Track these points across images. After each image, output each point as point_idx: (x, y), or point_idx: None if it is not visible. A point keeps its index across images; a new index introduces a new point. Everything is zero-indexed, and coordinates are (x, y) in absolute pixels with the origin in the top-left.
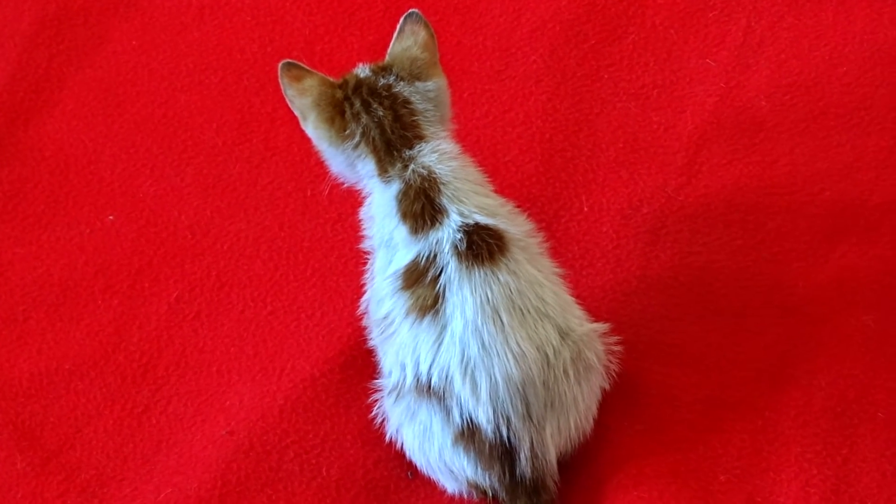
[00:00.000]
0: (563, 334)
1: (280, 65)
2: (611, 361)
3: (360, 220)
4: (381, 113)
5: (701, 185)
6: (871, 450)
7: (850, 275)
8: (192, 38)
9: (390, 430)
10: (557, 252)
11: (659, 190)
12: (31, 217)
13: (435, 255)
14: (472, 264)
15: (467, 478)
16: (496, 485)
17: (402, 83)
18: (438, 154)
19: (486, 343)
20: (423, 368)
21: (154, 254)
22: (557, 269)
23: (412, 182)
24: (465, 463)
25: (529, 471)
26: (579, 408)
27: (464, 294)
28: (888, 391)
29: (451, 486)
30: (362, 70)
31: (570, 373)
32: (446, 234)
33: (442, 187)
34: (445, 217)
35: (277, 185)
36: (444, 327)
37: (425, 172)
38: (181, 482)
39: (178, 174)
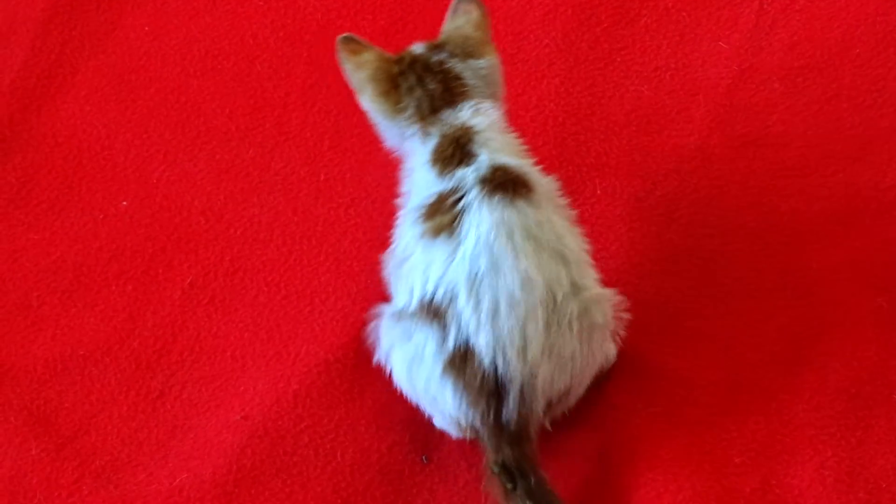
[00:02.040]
0: (575, 287)
1: (338, 39)
2: (619, 330)
3: (372, 205)
4: (432, 87)
5: (714, 167)
6: (886, 431)
7: (863, 257)
8: (205, 24)
9: (380, 353)
10: None
11: (672, 173)
12: (45, 203)
13: (459, 188)
14: (495, 191)
15: (450, 413)
16: (479, 425)
17: (454, 60)
18: (477, 111)
19: (496, 259)
20: (430, 286)
21: (167, 239)
22: (580, 230)
23: (448, 133)
24: (451, 396)
25: (515, 417)
26: (576, 366)
27: (482, 213)
28: None
29: (436, 420)
30: (417, 47)
31: (574, 326)
32: (473, 170)
33: (475, 136)
34: (474, 159)
35: (291, 169)
36: (457, 245)
37: (460, 124)
38: (196, 467)
39: (190, 160)
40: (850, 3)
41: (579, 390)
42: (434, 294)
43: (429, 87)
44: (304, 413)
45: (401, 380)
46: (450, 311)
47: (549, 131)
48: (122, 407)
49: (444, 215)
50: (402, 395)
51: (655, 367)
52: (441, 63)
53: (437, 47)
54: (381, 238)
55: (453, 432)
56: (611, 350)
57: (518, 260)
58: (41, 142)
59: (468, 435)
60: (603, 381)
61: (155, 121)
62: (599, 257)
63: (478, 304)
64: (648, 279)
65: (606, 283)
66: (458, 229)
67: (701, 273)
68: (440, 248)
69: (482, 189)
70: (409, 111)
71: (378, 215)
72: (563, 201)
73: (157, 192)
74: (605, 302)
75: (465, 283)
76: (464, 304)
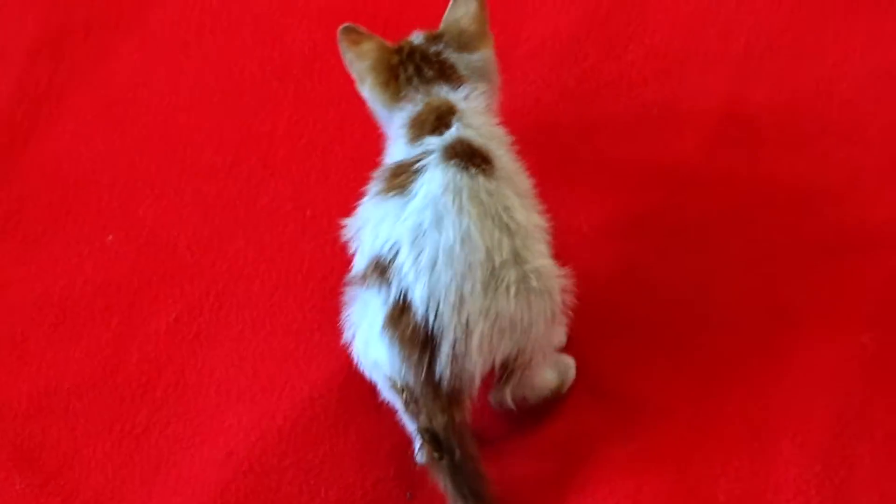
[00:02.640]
0: (517, 257)
1: (340, 29)
2: (567, 311)
3: None
4: (430, 74)
5: (700, 200)
6: (870, 470)
7: (849, 293)
8: (193, 57)
9: (347, 333)
10: None
11: (659, 206)
12: (31, 236)
13: (423, 154)
14: (453, 158)
15: (387, 374)
16: (412, 383)
17: (449, 51)
18: (465, 94)
19: (440, 215)
20: (378, 243)
21: (153, 273)
22: (542, 219)
23: (430, 103)
24: (387, 352)
25: (447, 374)
26: (518, 332)
27: (435, 174)
28: (886, 410)
29: (382, 390)
30: (417, 37)
31: (512, 290)
32: (440, 139)
33: (455, 111)
34: (445, 130)
35: (277, 205)
36: (406, 202)
37: (445, 98)
38: (181, 503)
39: (177, 194)
40: (838, 37)
41: (532, 362)
42: (381, 249)
43: (426, 75)
44: (288, 449)
45: (355, 346)
46: (393, 266)
47: (534, 166)
48: (106, 442)
49: (400, 177)
50: (386, 429)
51: (637, 400)
52: (438, 54)
53: (436, 38)
54: None
55: (397, 404)
56: (561, 333)
57: (460, 217)
58: (28, 174)
59: (406, 400)
60: (564, 399)
61: (142, 154)
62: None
63: (418, 256)
64: (631, 308)
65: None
66: (410, 188)
67: (686, 305)
68: (391, 205)
69: (442, 155)
70: (408, 100)
71: None
72: (527, 186)
73: (144, 226)
74: (547, 273)
75: (408, 236)
76: (405, 257)
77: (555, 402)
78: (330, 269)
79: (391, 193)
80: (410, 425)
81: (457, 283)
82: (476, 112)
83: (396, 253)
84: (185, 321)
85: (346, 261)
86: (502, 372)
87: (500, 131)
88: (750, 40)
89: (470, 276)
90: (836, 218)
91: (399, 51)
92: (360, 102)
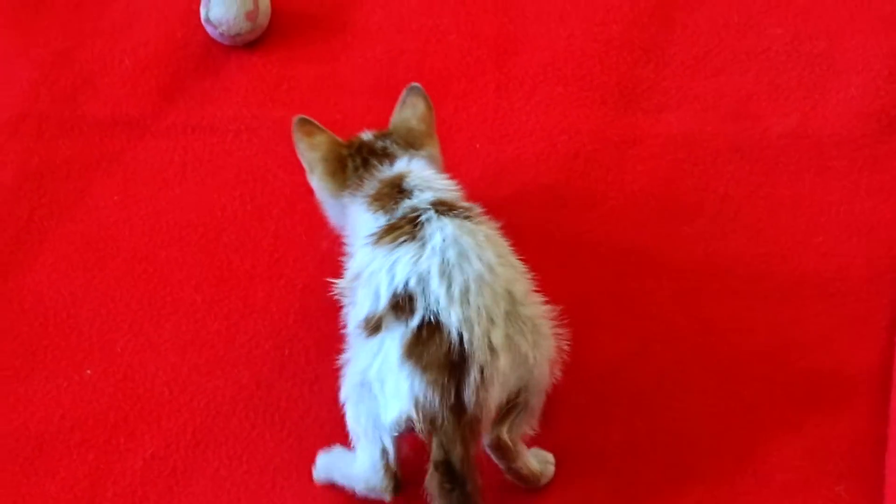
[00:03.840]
0: (525, 296)
1: (294, 119)
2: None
3: (336, 383)
4: (375, 163)
5: (678, 350)
6: None
7: (822, 444)
8: (174, 195)
9: (346, 385)
10: None
11: (636, 354)
12: (9, 369)
13: (412, 211)
14: (448, 212)
15: (403, 410)
16: (437, 407)
17: (396, 147)
18: (409, 161)
19: (464, 250)
20: (399, 280)
21: (130, 409)
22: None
23: (384, 179)
24: (411, 381)
25: (473, 401)
26: (528, 367)
27: (442, 222)
28: None
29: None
30: (366, 135)
31: (528, 327)
32: (419, 199)
33: (409, 177)
34: (415, 193)
35: (255, 343)
36: (423, 244)
37: (395, 172)
38: None
39: (156, 330)
40: (815, 191)
41: (532, 405)
42: (406, 284)
43: (372, 164)
44: None
45: (359, 405)
46: (421, 295)
47: None
48: None
49: (401, 230)
50: None
51: None
52: (385, 148)
53: (384, 135)
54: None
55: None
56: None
57: (483, 251)
58: (6, 308)
59: (424, 429)
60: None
61: (121, 290)
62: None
63: (450, 285)
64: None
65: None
66: (421, 234)
67: (660, 457)
68: (404, 250)
69: (436, 210)
70: (353, 189)
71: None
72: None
73: (122, 362)
74: (548, 322)
75: (437, 269)
76: (436, 286)
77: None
78: (307, 407)
79: (400, 240)
80: (377, 480)
81: (487, 308)
82: (430, 174)
83: (426, 284)
84: (161, 457)
85: (323, 401)
86: (501, 410)
87: (455, 186)
88: (728, 192)
89: (497, 304)
90: (810, 370)
91: (349, 145)
92: (341, 243)
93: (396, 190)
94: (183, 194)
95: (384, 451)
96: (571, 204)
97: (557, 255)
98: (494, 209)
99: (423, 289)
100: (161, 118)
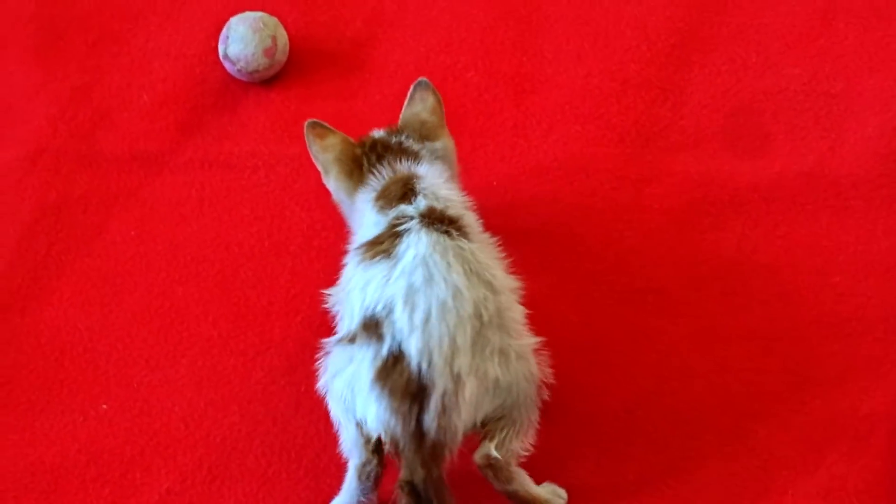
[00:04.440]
0: (500, 315)
1: (306, 123)
2: (545, 380)
3: None
4: (391, 158)
5: (694, 388)
6: None
7: (838, 484)
8: (191, 230)
9: (322, 381)
10: None
11: (652, 394)
12: (25, 404)
13: (398, 220)
14: (432, 223)
15: (375, 427)
16: (399, 433)
17: (411, 141)
18: (427, 167)
19: (431, 272)
20: (369, 302)
21: (146, 444)
22: (515, 281)
23: (395, 177)
24: (376, 405)
25: (434, 428)
26: (500, 393)
27: (420, 237)
28: None
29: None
30: (377, 132)
31: (497, 351)
32: (413, 207)
33: (419, 181)
34: (415, 198)
35: (271, 379)
36: (395, 263)
37: (409, 172)
38: None
39: (172, 365)
40: (831, 230)
41: (519, 424)
42: (374, 309)
43: (387, 159)
44: None
45: (337, 404)
46: (387, 322)
47: None
48: None
49: (380, 245)
50: None
51: None
52: (400, 143)
53: (396, 131)
54: None
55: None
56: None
57: (450, 273)
58: (23, 342)
59: (391, 450)
60: None
61: (138, 325)
62: None
63: (412, 311)
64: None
65: None
66: (396, 250)
67: (674, 494)
68: (378, 268)
69: (420, 221)
70: (370, 187)
71: None
72: (496, 250)
73: (138, 397)
74: (526, 347)
75: (402, 294)
76: (399, 314)
77: None
78: (323, 445)
79: (377, 258)
80: (360, 487)
81: (450, 335)
82: (440, 182)
83: (390, 311)
84: (177, 492)
85: (338, 438)
86: (484, 430)
87: (465, 199)
88: (745, 231)
89: (461, 329)
90: (826, 410)
91: (362, 144)
92: None
93: (404, 189)
94: (200, 230)
95: (359, 427)
96: (588, 242)
97: (573, 292)
98: (511, 245)
99: (388, 314)
100: (179, 154)
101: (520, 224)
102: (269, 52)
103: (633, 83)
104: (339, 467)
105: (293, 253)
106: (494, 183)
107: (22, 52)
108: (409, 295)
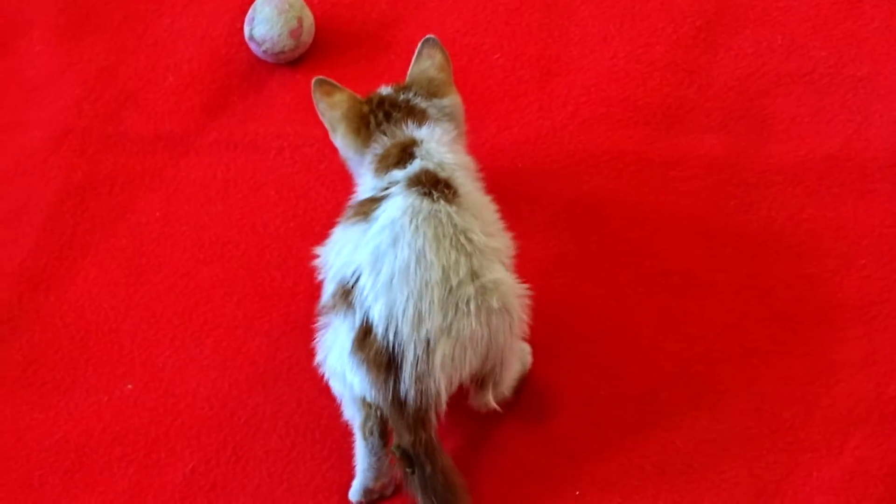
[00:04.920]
0: (473, 274)
1: (313, 80)
2: (526, 325)
3: None
4: (398, 117)
5: (718, 373)
6: None
7: (862, 467)
8: (216, 211)
9: (318, 355)
10: None
11: (677, 377)
12: (51, 383)
13: (387, 186)
14: (416, 186)
15: (360, 395)
16: (381, 403)
17: (419, 98)
18: (431, 129)
19: (397, 235)
20: (340, 270)
21: (171, 424)
22: (506, 244)
23: (397, 141)
24: (357, 374)
25: (412, 393)
26: (481, 348)
27: (397, 201)
28: None
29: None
30: (385, 89)
31: (472, 307)
32: (405, 171)
33: (420, 145)
34: (410, 161)
35: (296, 360)
36: (367, 228)
37: (409, 136)
38: None
39: (197, 346)
40: (857, 214)
41: (503, 373)
42: (343, 276)
43: (395, 118)
44: None
45: (331, 375)
46: (355, 290)
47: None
48: None
49: (361, 208)
50: None
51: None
52: (408, 101)
53: (404, 88)
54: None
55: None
56: (525, 347)
57: (415, 237)
58: (49, 322)
59: (379, 418)
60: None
61: (163, 305)
62: None
63: (377, 277)
64: (647, 479)
65: None
66: (373, 214)
67: (700, 477)
68: (354, 231)
69: (405, 184)
70: (378, 145)
71: None
72: (491, 213)
73: (163, 377)
74: (505, 287)
75: (368, 259)
76: (365, 280)
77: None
78: (347, 427)
79: (355, 220)
80: (367, 445)
81: (414, 302)
82: (440, 144)
83: (358, 277)
84: (201, 472)
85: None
86: (475, 383)
87: (467, 161)
88: (770, 213)
89: (427, 294)
90: (850, 393)
91: (369, 101)
92: None
93: (400, 156)
94: (225, 211)
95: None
96: (614, 224)
97: (599, 274)
98: (536, 228)
99: (356, 281)
100: (204, 135)
101: (545, 206)
102: (295, 33)
103: (658, 65)
104: None
105: (318, 234)
106: (519, 165)
107: (48, 32)
108: (375, 259)
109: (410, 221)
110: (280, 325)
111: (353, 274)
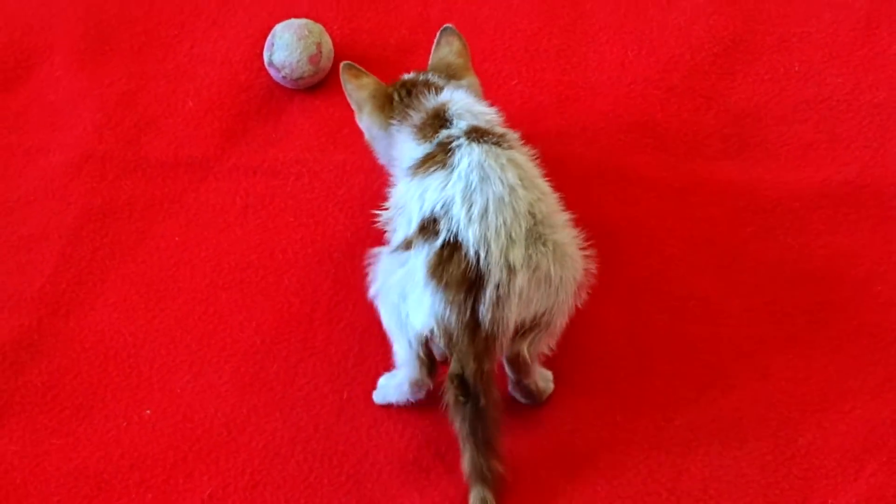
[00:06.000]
0: (552, 222)
1: (342, 65)
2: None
3: (394, 426)
4: (419, 93)
5: (734, 397)
6: None
7: (878, 494)
8: (235, 237)
9: (375, 285)
10: None
11: (692, 401)
12: (69, 409)
13: (447, 140)
14: (480, 138)
15: (427, 324)
16: (453, 325)
17: (438, 78)
18: (452, 92)
19: (486, 173)
20: (428, 206)
21: (189, 449)
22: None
23: (429, 111)
24: (431, 299)
25: (489, 319)
26: (552, 288)
27: (472, 148)
28: None
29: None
30: (407, 75)
31: (549, 248)
32: (456, 129)
33: (451, 108)
34: (454, 123)
35: (314, 386)
36: (451, 172)
37: (439, 103)
38: None
39: (215, 371)
40: (874, 240)
41: (554, 325)
42: (432, 210)
43: (416, 95)
44: None
45: (389, 314)
46: (444, 219)
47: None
48: None
49: (433, 159)
50: None
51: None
52: (427, 80)
53: (424, 73)
54: (403, 459)
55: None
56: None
57: (505, 173)
58: (68, 347)
59: (443, 346)
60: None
61: (181, 331)
62: None
63: (470, 207)
64: None
65: None
66: (451, 161)
67: (711, 502)
68: (434, 178)
69: (468, 137)
70: (400, 118)
71: (400, 438)
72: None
73: (181, 402)
74: (575, 245)
75: (459, 193)
76: (458, 209)
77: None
78: (364, 452)
79: (432, 169)
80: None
81: (507, 228)
82: (471, 101)
83: (448, 209)
84: (219, 498)
85: (380, 445)
86: (524, 329)
87: (498, 115)
88: (788, 240)
89: (517, 223)
90: (866, 419)
91: (392, 84)
92: None
93: (439, 120)
94: (244, 236)
95: (411, 343)
96: (631, 249)
97: (616, 300)
98: None
99: (447, 212)
100: (223, 160)
101: None
102: (314, 59)
103: (676, 91)
104: (382, 473)
105: (336, 260)
106: None
107: (69, 58)
108: (467, 193)
109: (495, 161)
110: (298, 351)
111: (442, 207)
